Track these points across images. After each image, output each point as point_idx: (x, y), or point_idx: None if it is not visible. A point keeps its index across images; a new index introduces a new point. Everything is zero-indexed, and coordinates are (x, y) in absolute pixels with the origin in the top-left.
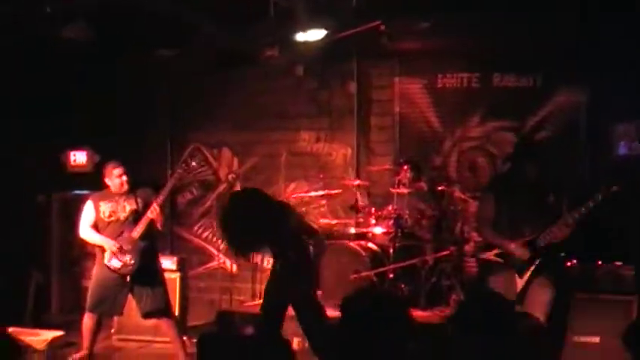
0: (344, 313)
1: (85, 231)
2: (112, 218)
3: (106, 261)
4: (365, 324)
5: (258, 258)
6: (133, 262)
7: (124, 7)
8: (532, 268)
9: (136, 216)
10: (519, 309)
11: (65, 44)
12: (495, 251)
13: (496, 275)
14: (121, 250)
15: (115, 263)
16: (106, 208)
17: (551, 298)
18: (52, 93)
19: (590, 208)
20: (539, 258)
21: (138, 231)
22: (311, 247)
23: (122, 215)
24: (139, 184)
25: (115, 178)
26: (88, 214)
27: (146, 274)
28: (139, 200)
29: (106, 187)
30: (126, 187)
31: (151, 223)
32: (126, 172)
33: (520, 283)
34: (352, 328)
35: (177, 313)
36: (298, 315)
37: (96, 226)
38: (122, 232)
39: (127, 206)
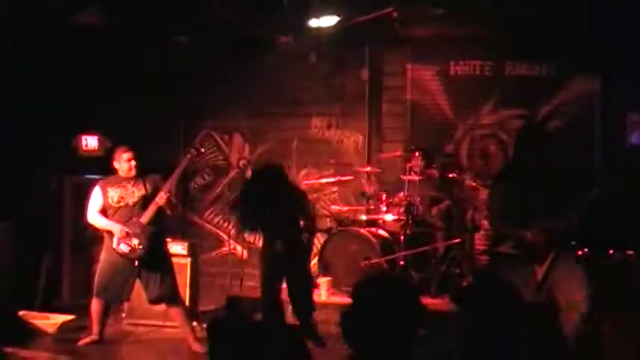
0: (354, 299)
1: (93, 216)
2: (121, 203)
3: (114, 245)
4: (375, 310)
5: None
6: (141, 246)
7: None
8: (551, 255)
9: (145, 201)
10: (542, 298)
11: (79, 29)
12: (511, 243)
13: (514, 268)
14: (130, 235)
15: (124, 247)
16: (114, 193)
17: (585, 278)
18: (66, 78)
19: (604, 191)
20: (557, 245)
21: (146, 216)
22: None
23: (131, 200)
24: (151, 169)
25: (124, 162)
26: (95, 199)
27: (154, 259)
28: (147, 186)
29: (115, 171)
30: (134, 171)
31: (160, 209)
32: (135, 157)
33: (540, 272)
34: (362, 314)
35: (187, 298)
36: (291, 288)
37: (104, 212)
38: (131, 217)
39: (136, 191)
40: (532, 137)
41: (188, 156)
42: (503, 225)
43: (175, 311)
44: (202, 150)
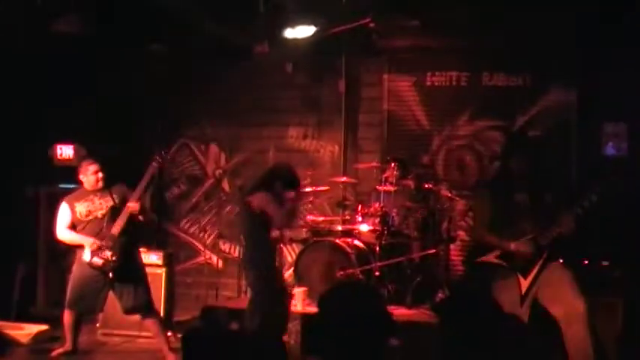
0: (319, 308)
1: (62, 232)
2: (90, 217)
3: (87, 259)
4: (339, 319)
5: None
6: (114, 258)
7: (116, 1)
8: (537, 267)
9: (114, 212)
10: (525, 310)
11: (56, 37)
12: (497, 253)
13: (498, 278)
14: (102, 247)
15: (97, 260)
16: (82, 208)
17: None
18: (41, 87)
19: (591, 203)
20: (542, 256)
21: (117, 227)
22: None
23: (100, 213)
24: (125, 180)
25: (91, 175)
26: (63, 216)
27: (127, 270)
28: (115, 196)
29: (81, 184)
30: (101, 184)
31: (132, 217)
32: (101, 169)
33: (525, 284)
34: (329, 322)
35: (162, 308)
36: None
37: (74, 226)
38: (101, 229)
39: (104, 203)
40: (519, 145)
41: (154, 163)
42: (489, 235)
43: (150, 321)
44: (167, 156)
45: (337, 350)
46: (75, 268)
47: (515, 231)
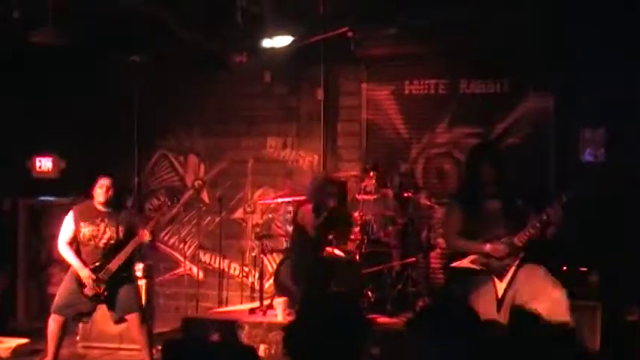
0: (297, 314)
1: (62, 248)
2: (91, 242)
3: (80, 287)
4: (317, 325)
5: (224, 264)
6: (106, 293)
7: (94, 12)
8: (512, 268)
9: (117, 245)
10: (504, 314)
11: (33, 49)
12: (471, 258)
13: (473, 283)
14: (96, 281)
15: (88, 291)
16: (86, 230)
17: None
18: (18, 98)
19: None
20: (517, 257)
21: (116, 263)
22: None
23: (101, 243)
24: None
25: (99, 187)
26: (67, 229)
27: (121, 284)
28: (120, 228)
29: (92, 197)
30: (103, 201)
31: (135, 248)
32: (111, 187)
33: (501, 286)
34: (304, 330)
35: None
36: None
37: (75, 239)
38: (99, 259)
39: (108, 232)
40: (486, 153)
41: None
42: (459, 240)
43: (140, 332)
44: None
45: (313, 356)
46: (67, 278)
47: (489, 238)
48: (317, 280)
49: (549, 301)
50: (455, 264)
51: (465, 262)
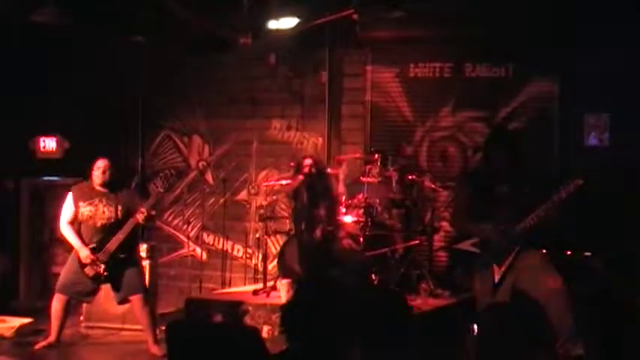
0: (295, 295)
1: (65, 228)
2: (90, 222)
3: (79, 266)
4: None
5: (227, 245)
6: (106, 273)
7: None
8: (511, 255)
9: (116, 224)
10: (502, 299)
11: (35, 29)
12: (472, 241)
13: (473, 267)
14: (96, 261)
15: (89, 271)
16: (84, 209)
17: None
18: (22, 78)
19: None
20: (517, 245)
21: (115, 242)
22: None
23: (99, 222)
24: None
25: (95, 169)
26: (67, 209)
27: (124, 265)
28: (119, 208)
29: (90, 178)
30: (100, 182)
31: (136, 225)
32: (108, 169)
33: (499, 272)
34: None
35: None
36: None
37: (76, 218)
38: (98, 237)
39: (107, 213)
40: (498, 139)
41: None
42: (467, 222)
43: (142, 312)
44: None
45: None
46: (71, 258)
47: (495, 222)
48: (316, 263)
49: (547, 290)
50: (457, 245)
51: (466, 245)
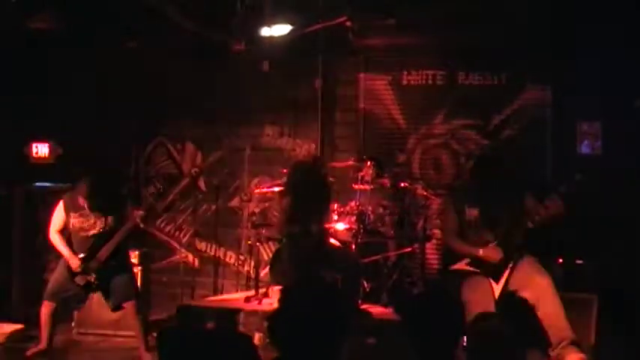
0: (281, 303)
1: (53, 236)
2: (81, 233)
3: (70, 274)
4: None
5: (220, 252)
6: (96, 282)
7: None
8: (507, 270)
9: (107, 234)
10: (500, 315)
11: (32, 34)
12: (468, 260)
13: (470, 285)
14: (87, 270)
15: (80, 280)
16: (75, 220)
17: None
18: (17, 83)
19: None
20: (512, 258)
21: (105, 252)
22: None
23: (91, 233)
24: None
25: (83, 185)
26: (57, 218)
27: (116, 272)
28: (109, 218)
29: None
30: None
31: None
32: (96, 186)
33: (497, 288)
34: (287, 319)
35: None
36: None
37: (66, 227)
38: (89, 248)
39: (98, 224)
40: (490, 165)
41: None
42: (456, 241)
43: (134, 319)
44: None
45: (295, 345)
46: (60, 265)
47: (478, 240)
48: (311, 260)
49: (536, 289)
50: (453, 267)
51: (461, 265)
